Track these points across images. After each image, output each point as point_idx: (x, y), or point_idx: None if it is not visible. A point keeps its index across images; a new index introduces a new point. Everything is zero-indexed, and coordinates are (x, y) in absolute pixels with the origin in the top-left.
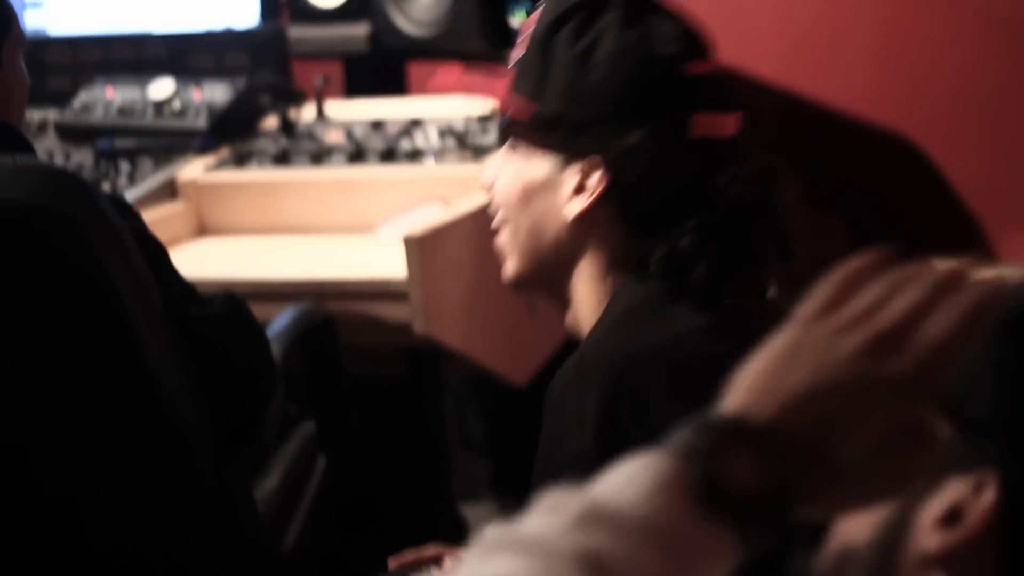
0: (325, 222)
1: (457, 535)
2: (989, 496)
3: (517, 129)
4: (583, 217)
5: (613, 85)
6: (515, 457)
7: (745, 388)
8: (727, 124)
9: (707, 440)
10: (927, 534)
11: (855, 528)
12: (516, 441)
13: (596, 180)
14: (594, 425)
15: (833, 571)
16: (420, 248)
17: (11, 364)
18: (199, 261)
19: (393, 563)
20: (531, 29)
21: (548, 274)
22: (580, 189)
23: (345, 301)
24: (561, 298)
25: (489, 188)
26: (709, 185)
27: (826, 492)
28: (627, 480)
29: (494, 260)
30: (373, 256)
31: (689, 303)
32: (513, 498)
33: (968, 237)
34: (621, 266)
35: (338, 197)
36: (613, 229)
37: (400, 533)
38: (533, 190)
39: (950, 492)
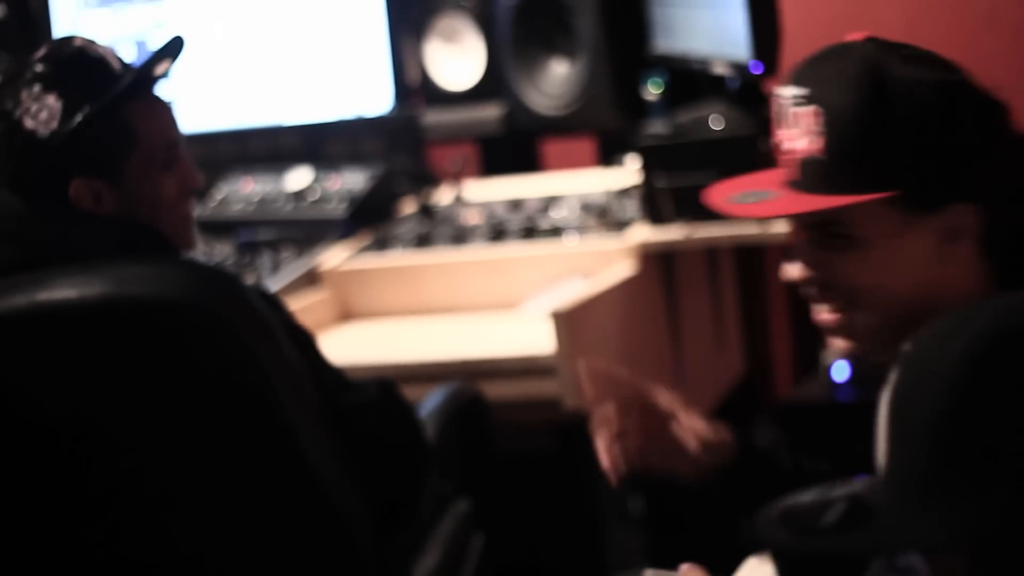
0: (468, 302)
1: None
2: None
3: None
4: (950, 260)
5: (941, 127)
6: (671, 529)
7: None
8: None
9: None
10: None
11: None
12: (671, 513)
13: (969, 221)
14: None
15: None
16: (568, 322)
17: (167, 461)
18: (346, 347)
19: None
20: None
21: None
22: (950, 235)
23: (494, 379)
24: None
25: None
26: None
27: None
28: None
29: (639, 332)
30: (519, 333)
31: None
32: (670, 571)
33: None
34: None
35: (480, 277)
36: (974, 263)
37: None
38: (879, 240)
39: None
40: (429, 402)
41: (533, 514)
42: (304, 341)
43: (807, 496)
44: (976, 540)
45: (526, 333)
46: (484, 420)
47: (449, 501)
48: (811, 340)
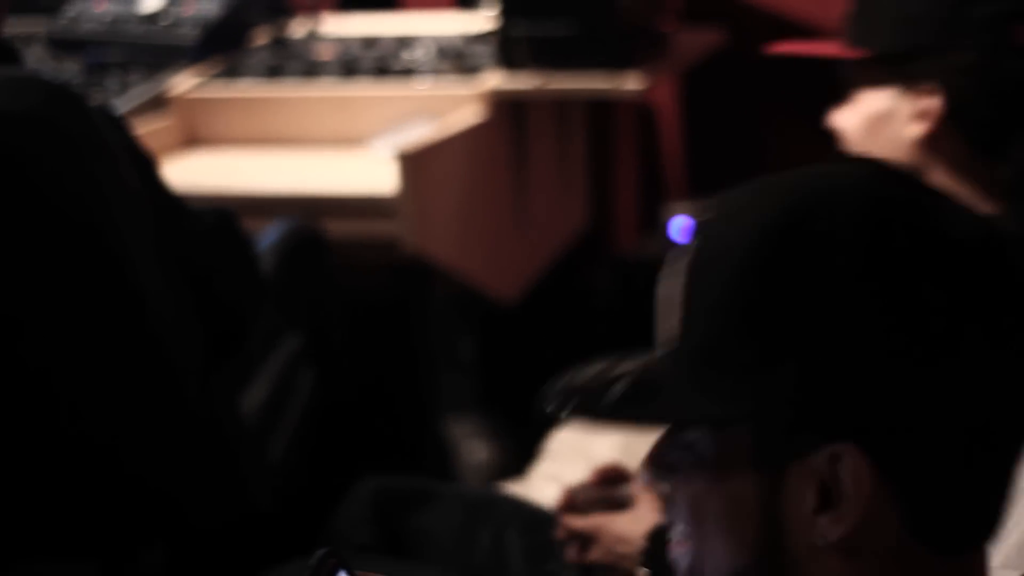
0: (315, 137)
1: (442, 451)
2: (852, 461)
3: (853, 74)
4: (928, 144)
5: (931, 9)
6: (502, 374)
7: None
8: None
9: None
10: (810, 527)
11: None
12: (504, 358)
13: (933, 104)
14: None
15: None
16: (413, 164)
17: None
18: (188, 174)
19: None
20: None
21: None
22: (920, 116)
23: (336, 217)
24: None
25: (838, 137)
26: None
27: None
28: None
29: (485, 178)
30: (363, 171)
31: None
32: (499, 415)
33: None
34: (970, 189)
35: (329, 113)
36: (958, 153)
37: (386, 447)
38: (875, 122)
39: (802, 479)
40: (267, 236)
41: (366, 354)
42: (145, 166)
43: (594, 369)
44: (762, 417)
45: (371, 172)
46: (322, 256)
47: (281, 336)
48: (656, 196)
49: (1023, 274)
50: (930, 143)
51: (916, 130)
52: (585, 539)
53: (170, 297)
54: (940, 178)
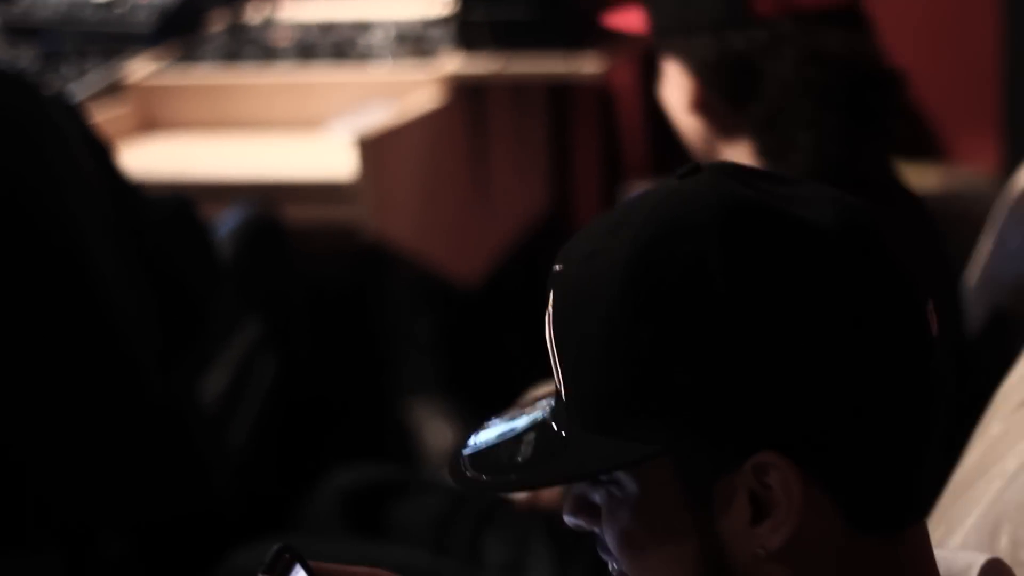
0: (273, 122)
1: (404, 435)
2: (776, 468)
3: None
4: (700, 108)
5: None
6: (463, 359)
7: None
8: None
9: None
10: (749, 539)
11: None
12: (465, 343)
13: (691, 76)
14: None
15: None
16: (372, 149)
17: None
18: (145, 161)
19: None
20: None
21: None
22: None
23: (295, 202)
24: None
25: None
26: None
27: None
28: None
29: (444, 163)
30: (322, 156)
31: None
32: (461, 399)
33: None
34: (738, 145)
35: (286, 98)
36: (725, 114)
37: (348, 432)
38: (669, 92)
39: (731, 495)
40: (226, 223)
41: (327, 339)
42: (101, 153)
43: (492, 434)
44: (675, 448)
45: (329, 157)
46: (281, 242)
47: (241, 323)
48: (617, 178)
49: (888, 248)
50: (702, 108)
51: (686, 98)
52: None
53: (127, 284)
54: (724, 139)
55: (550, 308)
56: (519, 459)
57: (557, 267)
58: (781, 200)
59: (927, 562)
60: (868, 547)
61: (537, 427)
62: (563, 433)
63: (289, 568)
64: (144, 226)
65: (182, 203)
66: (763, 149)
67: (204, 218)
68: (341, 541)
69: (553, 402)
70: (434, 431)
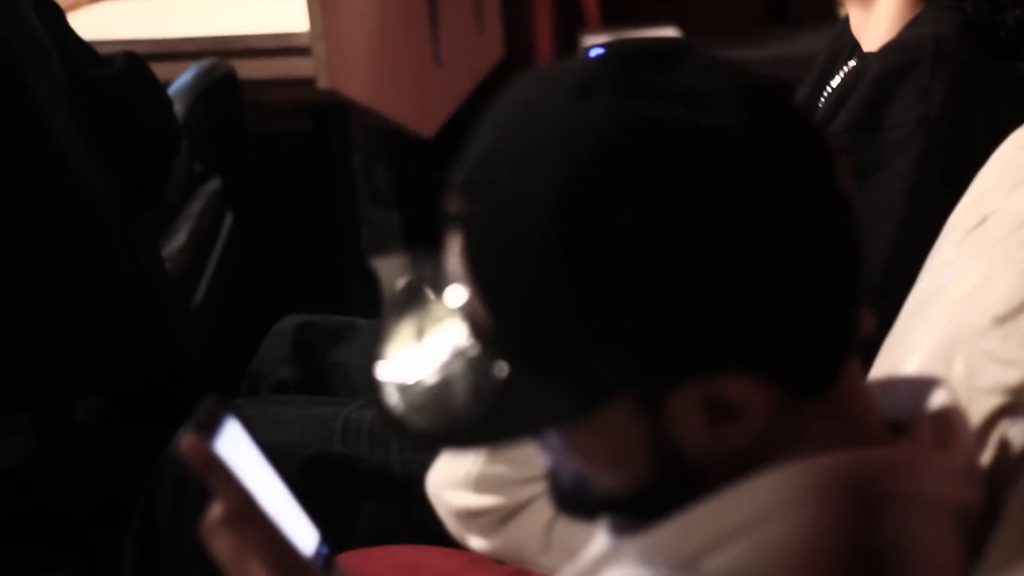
0: None
1: (368, 287)
2: (734, 383)
3: None
4: None
5: None
6: (423, 209)
7: None
8: None
9: None
10: (710, 442)
11: None
12: (424, 193)
13: None
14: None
15: None
16: (323, 1)
17: None
18: (97, 23)
19: None
20: None
21: None
22: None
23: (248, 57)
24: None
25: None
26: None
27: None
28: None
29: (397, 12)
30: (274, 11)
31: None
32: (422, 249)
33: None
34: None
35: None
36: None
37: (309, 287)
38: None
39: (687, 406)
40: (180, 80)
41: (284, 194)
42: (52, 14)
43: (413, 363)
44: (625, 383)
45: (281, 11)
46: (236, 98)
47: (200, 181)
48: (571, 25)
49: (796, 130)
50: None
51: None
52: None
53: (84, 143)
54: None
55: (463, 247)
56: (466, 407)
57: (464, 204)
58: (683, 108)
59: (864, 401)
60: (808, 408)
61: (467, 363)
62: (503, 374)
63: (220, 420)
64: (98, 84)
65: (134, 60)
66: None
67: (158, 76)
68: (281, 403)
69: (483, 342)
70: (395, 284)
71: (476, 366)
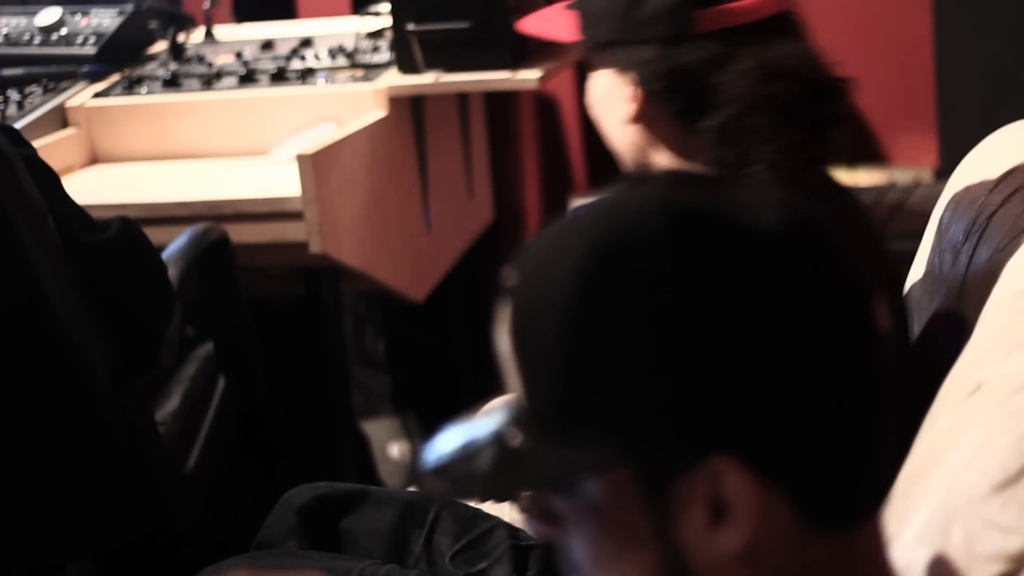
0: (217, 146)
1: (359, 450)
2: (731, 473)
3: (586, 55)
4: (642, 120)
5: (610, 6)
6: (414, 372)
7: None
8: (744, 10)
9: None
10: (708, 543)
11: None
12: (414, 357)
13: (633, 89)
14: None
15: None
16: (314, 165)
17: None
18: (92, 188)
19: None
20: None
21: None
22: (629, 98)
23: (241, 223)
24: None
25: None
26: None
27: None
28: None
29: (388, 177)
30: (267, 177)
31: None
32: (413, 412)
33: (863, 141)
34: (687, 158)
35: (229, 119)
36: (670, 126)
37: (302, 451)
38: (602, 103)
39: (689, 499)
40: (174, 244)
41: (278, 358)
42: (47, 179)
43: (452, 443)
44: (632, 451)
45: (274, 177)
46: (229, 262)
47: (193, 345)
48: (560, 188)
49: (835, 249)
50: (644, 120)
51: (626, 110)
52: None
53: (80, 308)
54: (661, 151)
55: (510, 317)
56: (482, 469)
57: (512, 276)
58: (727, 206)
59: (880, 554)
60: (823, 542)
61: (496, 437)
62: (522, 443)
63: None
64: (93, 249)
65: (128, 224)
66: (716, 163)
67: (152, 241)
68: (299, 556)
69: (512, 412)
70: (386, 445)
71: (499, 436)
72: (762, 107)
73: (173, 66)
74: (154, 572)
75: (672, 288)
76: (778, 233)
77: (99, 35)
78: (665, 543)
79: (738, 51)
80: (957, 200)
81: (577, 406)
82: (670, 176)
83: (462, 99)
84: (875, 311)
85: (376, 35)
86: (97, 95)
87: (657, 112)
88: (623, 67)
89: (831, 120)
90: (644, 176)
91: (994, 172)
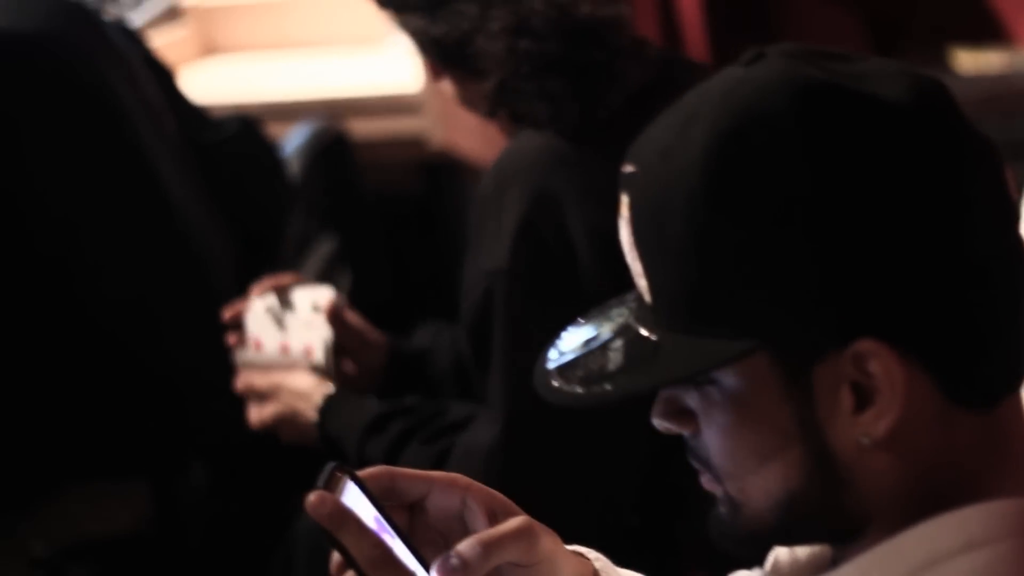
0: (334, 37)
1: None
2: (876, 356)
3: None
4: (437, 80)
5: None
6: None
7: None
8: None
9: None
10: (853, 429)
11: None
12: None
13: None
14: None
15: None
16: None
17: (30, 189)
18: (208, 84)
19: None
20: None
21: None
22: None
23: (359, 117)
24: None
25: None
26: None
27: None
28: None
29: None
30: (385, 70)
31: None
32: None
33: (985, 20)
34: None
35: (347, 11)
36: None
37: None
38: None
39: (832, 385)
40: (292, 141)
41: (399, 252)
42: (164, 78)
43: (576, 341)
44: (773, 339)
45: (392, 70)
46: (348, 158)
47: (315, 240)
48: None
49: (964, 116)
50: (438, 78)
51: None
52: (264, 395)
53: (198, 208)
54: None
55: (626, 211)
56: (611, 367)
57: (630, 168)
58: (851, 79)
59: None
60: (967, 423)
61: (623, 332)
62: (653, 337)
63: (342, 484)
64: (212, 148)
65: (246, 123)
66: (508, 120)
67: (270, 137)
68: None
69: (636, 305)
70: None
71: (627, 331)
72: (521, 64)
73: None
74: (154, 572)
75: (809, 166)
76: (906, 103)
77: None
78: (809, 431)
79: (490, 11)
80: None
81: (714, 293)
82: (785, 50)
83: None
84: (1009, 177)
85: None
86: None
87: (450, 74)
88: (404, 29)
89: (600, 62)
90: (757, 53)
91: None
